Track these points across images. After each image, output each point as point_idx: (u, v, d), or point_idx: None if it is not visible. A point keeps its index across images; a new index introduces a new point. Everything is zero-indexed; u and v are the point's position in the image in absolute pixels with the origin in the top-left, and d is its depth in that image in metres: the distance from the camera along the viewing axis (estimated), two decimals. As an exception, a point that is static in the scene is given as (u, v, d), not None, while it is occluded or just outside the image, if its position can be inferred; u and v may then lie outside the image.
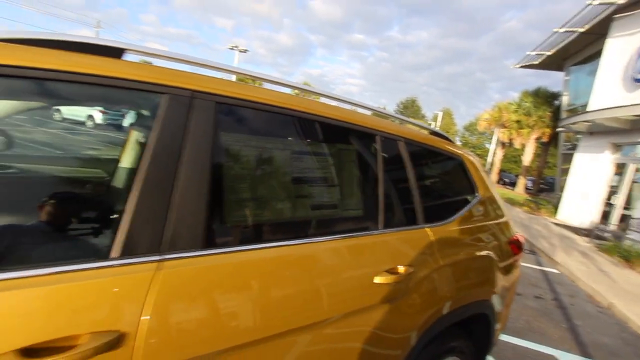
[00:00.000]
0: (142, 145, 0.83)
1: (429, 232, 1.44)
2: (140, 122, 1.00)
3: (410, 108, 53.87)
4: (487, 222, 1.84)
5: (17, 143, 1.78)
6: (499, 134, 23.03)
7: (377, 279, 1.17)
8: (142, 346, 0.72)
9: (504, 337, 3.05)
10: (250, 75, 1.14)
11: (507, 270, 1.89)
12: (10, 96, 0.88)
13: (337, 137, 1.29)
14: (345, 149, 1.31)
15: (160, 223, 0.79)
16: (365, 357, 1.15)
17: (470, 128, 51.59)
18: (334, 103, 1.37)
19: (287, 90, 1.23)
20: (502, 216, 1.99)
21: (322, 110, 1.19)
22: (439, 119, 45.72)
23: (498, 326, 1.88)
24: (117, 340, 0.69)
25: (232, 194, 0.97)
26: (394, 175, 1.42)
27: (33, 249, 0.80)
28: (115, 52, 0.87)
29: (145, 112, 0.93)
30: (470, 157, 1.94)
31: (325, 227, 1.20)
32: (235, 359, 0.86)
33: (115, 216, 0.79)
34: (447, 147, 1.80)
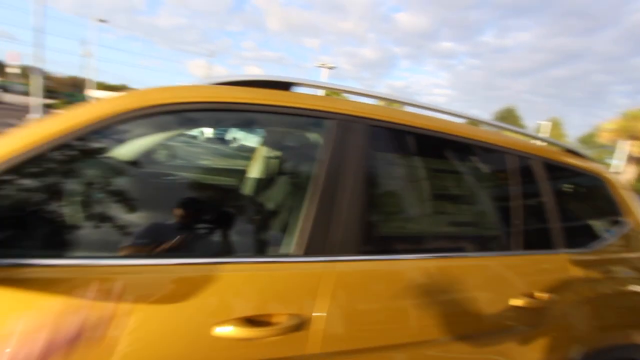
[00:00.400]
0: (318, 162, 0.99)
1: (569, 258, 1.33)
2: (305, 143, 1.18)
3: (507, 119, 48.71)
4: (638, 254, 1.60)
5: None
6: (628, 148, 19.18)
7: (513, 302, 1.14)
8: (319, 331, 0.86)
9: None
10: (385, 98, 1.25)
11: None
12: (229, 125, 1.14)
13: (474, 156, 1.31)
14: (482, 168, 1.32)
15: (332, 230, 0.94)
16: None
17: (588, 140, 44.04)
18: (456, 119, 1.38)
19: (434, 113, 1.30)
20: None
21: (459, 131, 1.22)
22: (546, 129, 40.23)
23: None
24: (301, 324, 0.84)
25: (382, 207, 1.08)
26: (532, 196, 1.36)
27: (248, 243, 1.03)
28: (284, 86, 1.07)
29: (312, 135, 1.11)
30: (611, 176, 1.72)
31: (464, 244, 1.23)
32: (383, 357, 0.95)
33: (297, 222, 0.97)
34: (585, 165, 1.63)
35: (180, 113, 0.91)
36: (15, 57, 17.13)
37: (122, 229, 0.99)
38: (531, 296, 1.18)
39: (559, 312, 1.25)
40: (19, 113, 16.58)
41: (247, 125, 1.18)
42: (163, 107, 0.86)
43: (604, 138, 20.34)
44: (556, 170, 1.51)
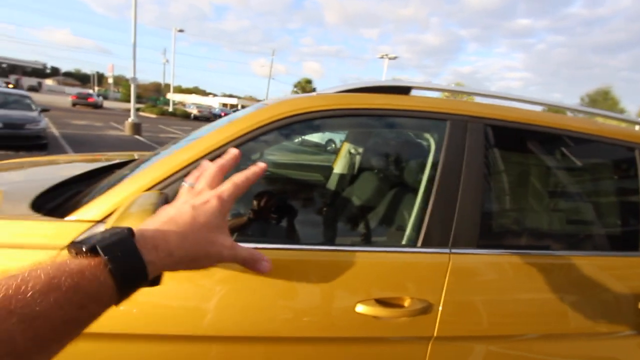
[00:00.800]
0: (433, 163, 1.07)
1: None
2: (426, 144, 1.26)
3: (601, 102, 42.34)
4: None
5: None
6: None
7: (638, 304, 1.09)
8: (441, 314, 0.94)
9: None
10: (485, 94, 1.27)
11: None
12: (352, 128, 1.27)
13: (587, 151, 1.26)
14: (595, 163, 1.26)
15: (450, 224, 1.00)
16: None
17: None
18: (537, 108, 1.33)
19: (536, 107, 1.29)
20: None
21: (571, 125, 1.19)
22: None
23: None
24: (427, 308, 0.93)
25: (498, 203, 1.11)
26: None
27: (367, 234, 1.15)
28: (405, 90, 1.15)
29: (432, 136, 1.18)
30: None
31: (578, 241, 1.20)
32: (501, 347, 1.00)
33: (419, 217, 1.05)
34: None
35: (324, 119, 1.05)
36: (112, 69, 19.85)
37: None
38: None
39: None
40: (119, 117, 19.23)
41: (364, 128, 1.31)
42: (312, 114, 1.01)
43: None
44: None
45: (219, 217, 0.38)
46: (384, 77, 29.16)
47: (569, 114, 1.52)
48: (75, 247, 0.30)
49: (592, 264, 1.11)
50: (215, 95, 79.44)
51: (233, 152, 0.46)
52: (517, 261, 1.04)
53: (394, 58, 28.72)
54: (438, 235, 1.00)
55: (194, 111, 32.57)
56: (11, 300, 0.23)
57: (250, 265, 0.42)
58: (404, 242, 1.06)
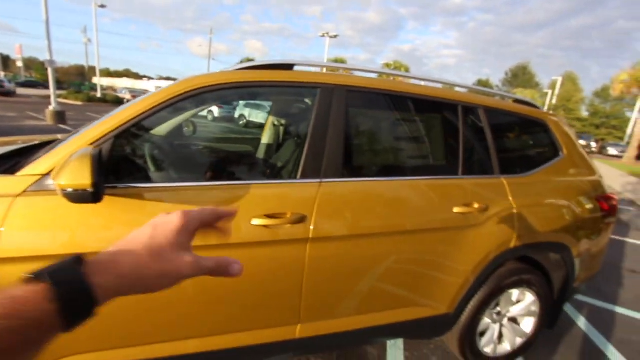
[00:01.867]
0: (306, 121, 1.47)
1: (504, 181, 1.79)
2: (306, 106, 1.69)
3: (520, 76, 47.21)
4: (570, 178, 2.04)
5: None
6: (642, 99, 18.75)
7: (456, 209, 1.62)
8: (314, 223, 1.36)
9: (610, 307, 3.05)
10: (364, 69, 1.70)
11: (593, 223, 2.06)
12: (242, 98, 1.62)
13: (429, 109, 1.77)
14: (436, 118, 1.78)
15: (320, 161, 1.42)
16: (438, 268, 1.63)
17: (603, 94, 42.62)
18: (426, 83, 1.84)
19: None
20: (591, 175, 2.14)
21: (407, 89, 1.67)
22: (557, 85, 38.98)
23: (579, 274, 2.08)
24: (302, 218, 1.35)
25: (356, 145, 1.56)
26: (475, 136, 1.82)
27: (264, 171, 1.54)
28: (288, 67, 1.52)
29: (310, 100, 1.57)
30: (555, 119, 2.13)
31: (419, 170, 1.72)
32: (364, 244, 1.47)
33: (299, 157, 1.46)
34: (530, 112, 2.04)
35: (226, 91, 1.39)
36: (20, 50, 17.37)
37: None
38: (471, 205, 1.66)
39: (498, 216, 1.72)
40: (37, 106, 17.22)
41: (255, 98, 1.73)
42: (217, 86, 1.35)
43: (616, 90, 19.84)
44: (500, 116, 1.94)
45: (180, 235, 0.37)
46: (326, 56, 29.40)
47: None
48: (26, 277, 0.30)
49: (420, 184, 1.62)
50: (150, 78, 73.74)
51: (231, 210, 0.44)
52: (368, 184, 1.51)
53: (335, 37, 29.05)
54: (312, 169, 1.41)
55: (127, 96, 30.30)
56: None
57: (219, 272, 0.40)
58: (288, 176, 1.47)
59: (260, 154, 2.42)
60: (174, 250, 0.36)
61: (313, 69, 1.64)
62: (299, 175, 1.40)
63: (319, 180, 1.41)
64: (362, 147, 1.62)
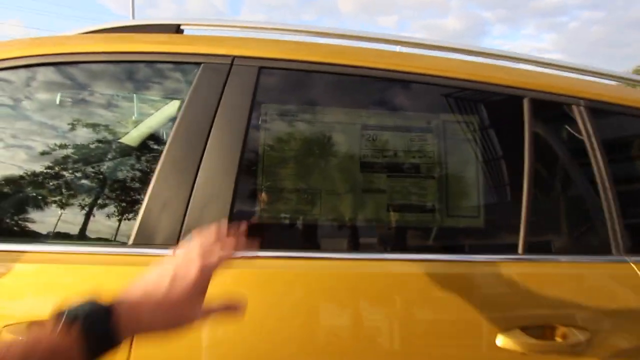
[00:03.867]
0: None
1: (637, 269, 0.75)
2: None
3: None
4: None
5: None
6: None
7: (503, 340, 0.66)
8: None
9: None
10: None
11: None
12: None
13: (447, 106, 0.86)
14: (463, 124, 0.92)
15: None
16: None
17: None
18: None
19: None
20: None
21: (424, 67, 0.80)
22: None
23: None
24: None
25: (271, 180, 0.79)
26: (561, 164, 0.95)
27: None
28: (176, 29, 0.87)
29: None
30: None
31: (417, 239, 0.85)
32: None
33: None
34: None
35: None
36: None
37: None
38: (546, 331, 0.74)
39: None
40: None
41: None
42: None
43: None
44: (625, 121, 0.96)
45: (197, 288, 0.40)
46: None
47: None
48: (57, 316, 0.33)
49: (418, 273, 0.78)
50: None
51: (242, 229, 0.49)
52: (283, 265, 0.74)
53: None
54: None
55: None
56: None
57: (225, 314, 0.43)
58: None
59: None
60: (188, 304, 0.39)
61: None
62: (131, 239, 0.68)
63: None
64: (281, 184, 0.78)
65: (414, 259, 0.73)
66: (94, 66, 0.83)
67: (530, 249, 0.76)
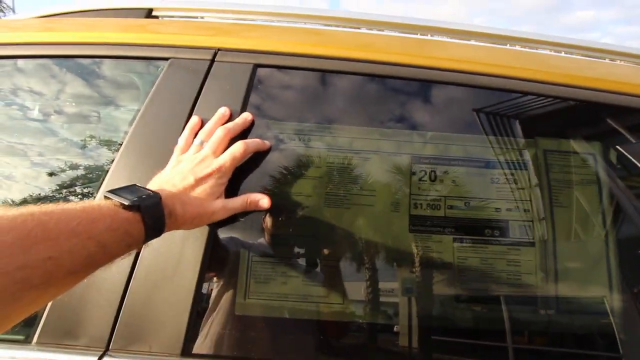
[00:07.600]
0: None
1: None
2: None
3: None
4: None
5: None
6: None
7: None
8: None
9: None
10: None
11: None
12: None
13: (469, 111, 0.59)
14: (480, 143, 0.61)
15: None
16: None
17: None
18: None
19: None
20: None
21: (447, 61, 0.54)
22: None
23: None
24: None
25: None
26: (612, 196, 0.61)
27: None
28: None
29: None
30: None
31: None
32: None
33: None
34: None
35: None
36: None
37: None
38: None
39: None
40: None
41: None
42: None
43: None
44: None
45: (216, 188, 0.44)
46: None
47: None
48: (122, 204, 0.36)
49: None
50: None
51: (245, 116, 0.49)
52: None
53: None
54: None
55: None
56: (91, 229, 0.32)
57: (248, 209, 0.46)
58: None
59: None
60: (212, 200, 0.44)
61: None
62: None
63: None
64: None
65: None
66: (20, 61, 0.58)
67: None
